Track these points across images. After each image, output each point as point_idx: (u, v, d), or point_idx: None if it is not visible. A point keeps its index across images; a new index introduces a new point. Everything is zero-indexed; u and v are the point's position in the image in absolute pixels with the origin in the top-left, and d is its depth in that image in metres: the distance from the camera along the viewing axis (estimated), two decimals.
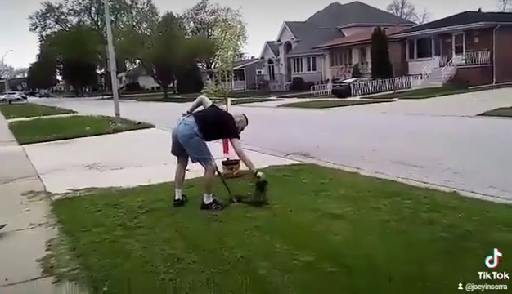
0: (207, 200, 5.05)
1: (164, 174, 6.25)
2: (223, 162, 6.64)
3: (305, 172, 6.69)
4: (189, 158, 5.21)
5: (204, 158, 5.05)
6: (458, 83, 25.78)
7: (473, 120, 13.30)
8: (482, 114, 13.71)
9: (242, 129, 5.37)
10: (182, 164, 5.31)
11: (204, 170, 5.11)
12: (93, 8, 64.80)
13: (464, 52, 29.31)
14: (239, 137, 5.14)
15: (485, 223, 4.10)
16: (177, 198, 5.22)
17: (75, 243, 4.20)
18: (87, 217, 4.98)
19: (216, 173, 5.25)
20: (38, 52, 78.35)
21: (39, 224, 4.93)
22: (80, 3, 64.53)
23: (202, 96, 5.54)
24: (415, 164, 7.24)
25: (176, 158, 5.36)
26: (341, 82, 31.92)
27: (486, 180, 5.92)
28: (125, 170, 7.88)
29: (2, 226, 4.70)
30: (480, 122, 12.80)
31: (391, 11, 64.53)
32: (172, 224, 4.60)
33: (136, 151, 10.24)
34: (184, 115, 5.13)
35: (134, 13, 59.61)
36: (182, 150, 5.13)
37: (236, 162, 6.64)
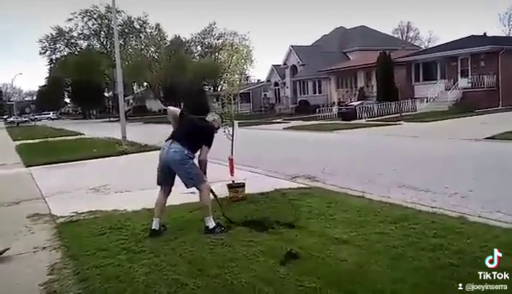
0: (210, 224, 5.01)
1: (170, 197, 6.20)
2: (229, 185, 6.62)
3: (311, 196, 6.65)
4: (173, 185, 5.21)
5: (199, 180, 5.05)
6: (464, 106, 25.72)
7: (480, 143, 13.21)
8: (490, 138, 13.62)
9: (219, 127, 5.48)
10: (165, 193, 5.24)
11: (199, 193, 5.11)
12: (102, 32, 65.92)
13: (469, 76, 29.34)
14: (210, 146, 5.15)
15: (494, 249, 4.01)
16: (153, 227, 5.04)
17: (79, 267, 4.17)
18: (92, 241, 4.96)
19: (211, 193, 5.22)
20: (47, 75, 79.41)
21: (43, 248, 4.91)
22: (90, 28, 65.72)
23: (169, 110, 5.53)
24: (422, 188, 7.17)
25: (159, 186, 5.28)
26: (347, 105, 31.98)
27: (493, 204, 5.83)
28: (130, 193, 7.87)
29: (6, 250, 4.68)
30: (488, 146, 12.70)
31: (396, 35, 65.01)
32: (177, 248, 4.56)
33: (141, 174, 10.21)
34: (167, 140, 5.10)
35: (143, 37, 60.50)
36: (169, 178, 5.11)
37: (242, 185, 6.62)
